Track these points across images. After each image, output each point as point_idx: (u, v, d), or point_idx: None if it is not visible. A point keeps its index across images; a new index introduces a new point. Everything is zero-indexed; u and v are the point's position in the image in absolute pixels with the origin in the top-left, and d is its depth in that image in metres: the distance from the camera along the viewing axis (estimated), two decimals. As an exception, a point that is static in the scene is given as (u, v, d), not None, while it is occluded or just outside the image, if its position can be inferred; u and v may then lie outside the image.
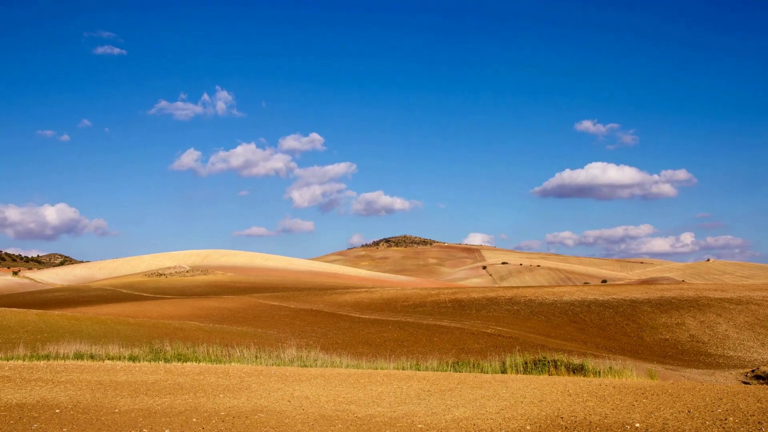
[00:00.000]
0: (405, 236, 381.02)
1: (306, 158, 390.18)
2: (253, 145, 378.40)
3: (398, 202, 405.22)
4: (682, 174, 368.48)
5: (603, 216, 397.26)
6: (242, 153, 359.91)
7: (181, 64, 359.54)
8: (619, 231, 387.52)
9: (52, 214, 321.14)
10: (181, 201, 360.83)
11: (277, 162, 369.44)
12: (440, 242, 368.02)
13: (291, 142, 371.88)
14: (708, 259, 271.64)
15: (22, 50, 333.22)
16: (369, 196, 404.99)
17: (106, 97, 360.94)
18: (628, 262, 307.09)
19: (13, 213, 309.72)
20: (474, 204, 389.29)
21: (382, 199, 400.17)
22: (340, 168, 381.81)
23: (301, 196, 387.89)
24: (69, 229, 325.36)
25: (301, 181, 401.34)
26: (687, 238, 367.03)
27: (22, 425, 9.28)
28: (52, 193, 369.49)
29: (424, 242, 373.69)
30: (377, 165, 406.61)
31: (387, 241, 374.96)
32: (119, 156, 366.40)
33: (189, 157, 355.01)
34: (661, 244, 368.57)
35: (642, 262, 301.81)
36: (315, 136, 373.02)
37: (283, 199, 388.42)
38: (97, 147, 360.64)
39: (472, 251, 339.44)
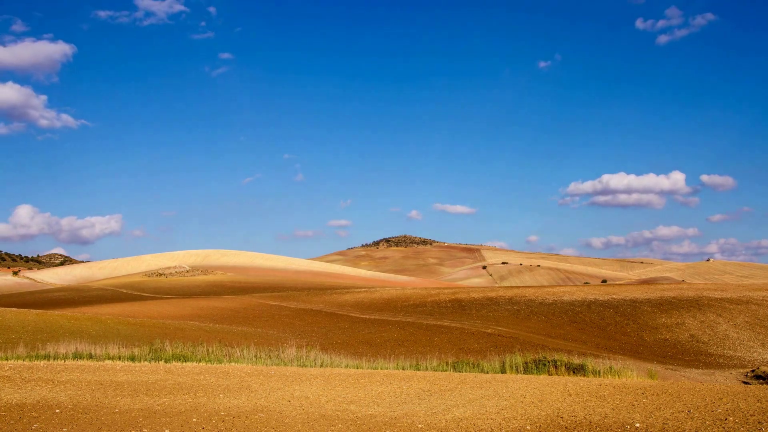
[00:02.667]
0: (405, 236, 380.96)
1: (355, 175, 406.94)
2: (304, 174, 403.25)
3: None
4: (713, 178, 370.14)
5: (631, 221, 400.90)
6: (300, 177, 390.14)
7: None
8: (646, 234, 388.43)
9: (103, 224, 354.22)
10: (238, 209, 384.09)
11: (330, 180, 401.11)
12: (440, 242, 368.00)
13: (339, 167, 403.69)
14: (708, 259, 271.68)
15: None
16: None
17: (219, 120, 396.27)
18: (628, 261, 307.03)
19: (68, 222, 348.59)
20: (501, 208, 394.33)
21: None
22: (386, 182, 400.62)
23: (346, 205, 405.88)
24: (114, 235, 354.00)
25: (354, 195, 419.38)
26: (720, 239, 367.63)
27: (22, 425, 9.27)
28: (112, 206, 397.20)
29: (424, 242, 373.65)
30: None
31: (387, 241, 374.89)
32: (204, 174, 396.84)
33: (254, 175, 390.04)
34: (691, 246, 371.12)
35: (642, 262, 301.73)
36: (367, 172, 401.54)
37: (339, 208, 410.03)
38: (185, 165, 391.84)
39: (472, 251, 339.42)
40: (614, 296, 46.38)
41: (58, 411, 10.21)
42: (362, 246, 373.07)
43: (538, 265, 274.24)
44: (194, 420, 9.69)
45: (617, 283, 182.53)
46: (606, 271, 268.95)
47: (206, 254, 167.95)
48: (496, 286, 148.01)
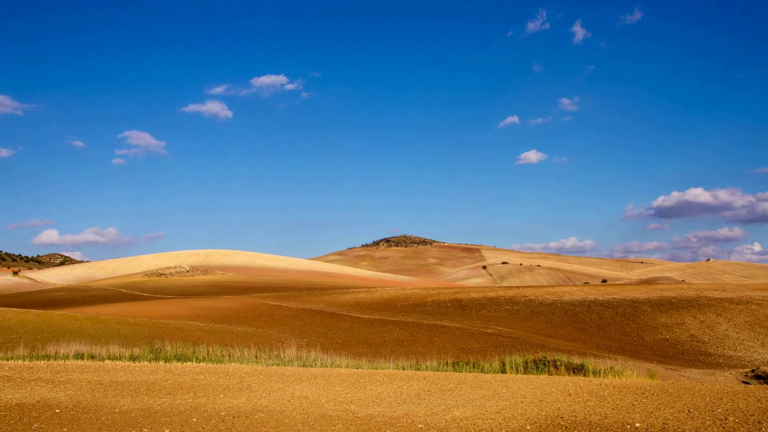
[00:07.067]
0: (405, 236, 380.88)
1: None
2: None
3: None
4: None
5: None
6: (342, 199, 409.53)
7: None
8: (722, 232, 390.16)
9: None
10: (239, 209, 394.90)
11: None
12: (440, 242, 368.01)
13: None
14: (708, 259, 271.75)
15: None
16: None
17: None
18: (628, 262, 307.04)
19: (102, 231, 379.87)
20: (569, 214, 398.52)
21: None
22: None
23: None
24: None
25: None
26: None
27: (22, 425, 9.27)
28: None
29: (424, 242, 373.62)
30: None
31: (387, 240, 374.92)
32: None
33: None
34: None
35: (642, 262, 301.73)
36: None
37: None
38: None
39: (472, 251, 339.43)
40: (614, 296, 46.38)
41: (58, 411, 10.21)
42: (362, 246, 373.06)
43: (538, 265, 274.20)
44: (194, 420, 9.69)
45: (617, 283, 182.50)
46: (606, 271, 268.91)
47: (206, 254, 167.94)
48: (496, 286, 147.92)
